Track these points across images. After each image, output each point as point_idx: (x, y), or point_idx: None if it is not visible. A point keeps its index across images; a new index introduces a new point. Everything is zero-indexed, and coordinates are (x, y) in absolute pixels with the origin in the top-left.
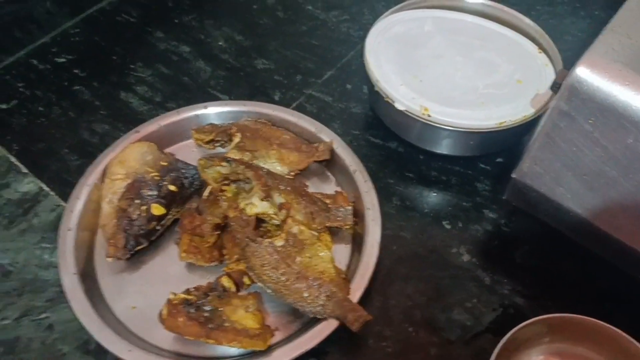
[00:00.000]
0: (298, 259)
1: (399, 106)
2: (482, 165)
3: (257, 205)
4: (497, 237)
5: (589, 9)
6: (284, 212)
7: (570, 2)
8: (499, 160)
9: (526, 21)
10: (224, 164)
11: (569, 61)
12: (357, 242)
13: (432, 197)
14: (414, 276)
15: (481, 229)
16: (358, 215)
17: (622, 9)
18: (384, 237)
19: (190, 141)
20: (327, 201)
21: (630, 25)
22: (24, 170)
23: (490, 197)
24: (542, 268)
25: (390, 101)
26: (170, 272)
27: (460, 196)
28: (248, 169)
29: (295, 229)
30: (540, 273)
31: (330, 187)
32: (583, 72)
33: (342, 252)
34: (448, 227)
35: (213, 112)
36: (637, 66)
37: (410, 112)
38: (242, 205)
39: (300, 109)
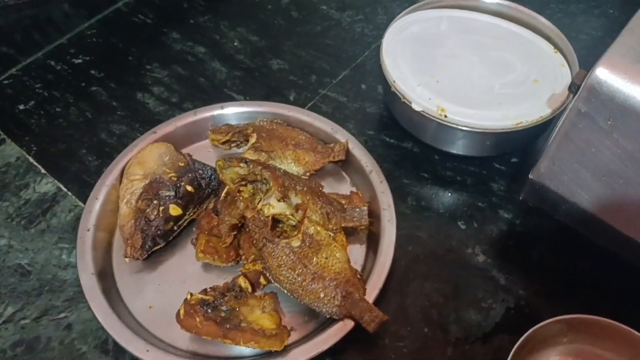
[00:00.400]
0: (314, 259)
1: (416, 107)
2: (497, 165)
3: (274, 206)
4: (512, 237)
5: (603, 8)
6: (300, 212)
7: (584, 0)
8: (514, 160)
9: (542, 20)
10: (241, 164)
11: (583, 60)
12: (373, 243)
13: (448, 197)
14: (430, 276)
15: (497, 229)
16: (373, 215)
17: None
18: (399, 237)
19: (207, 142)
20: (343, 201)
21: None
22: (43, 170)
23: (506, 197)
24: (558, 268)
25: (407, 102)
26: (187, 272)
27: (475, 196)
28: (265, 169)
29: (311, 230)
30: (556, 273)
31: (345, 188)
32: (603, 73)
33: (357, 253)
34: (463, 227)
35: (229, 112)
36: None
37: (427, 113)
38: (259, 206)
39: (315, 109)
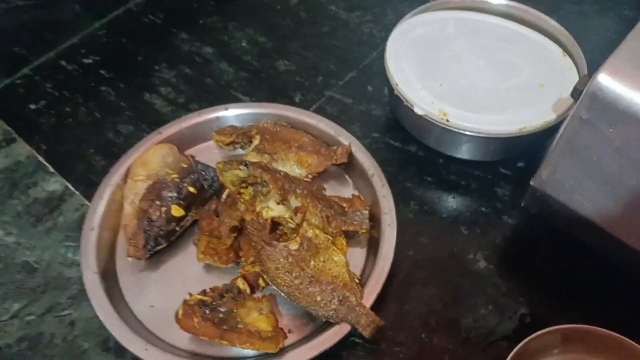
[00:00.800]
0: (312, 263)
1: (418, 110)
2: (503, 170)
3: (273, 209)
4: (515, 244)
5: (618, 9)
6: (299, 216)
7: (599, 1)
8: (520, 164)
9: (551, 23)
10: (241, 167)
11: (595, 63)
12: (373, 247)
13: (451, 202)
14: (430, 281)
15: (500, 235)
16: (375, 219)
17: None
18: (400, 241)
19: (212, 142)
20: (344, 205)
21: None
22: (51, 169)
23: (510, 203)
24: (561, 276)
25: (409, 105)
26: (189, 273)
27: (479, 201)
28: (265, 172)
29: (310, 233)
30: (558, 281)
31: (348, 190)
32: (604, 79)
33: (357, 256)
34: (466, 232)
35: (234, 114)
36: None
37: (429, 117)
38: (258, 208)
39: (320, 111)
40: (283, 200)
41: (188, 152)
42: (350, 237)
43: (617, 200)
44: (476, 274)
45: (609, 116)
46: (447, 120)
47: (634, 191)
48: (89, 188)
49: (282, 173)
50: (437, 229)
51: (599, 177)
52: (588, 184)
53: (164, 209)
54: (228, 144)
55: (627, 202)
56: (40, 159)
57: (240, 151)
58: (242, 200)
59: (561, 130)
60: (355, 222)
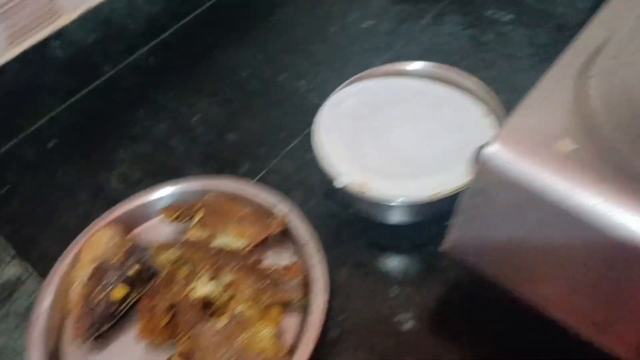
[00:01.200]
0: (239, 338)
1: (337, 184)
2: (435, 229)
3: (201, 289)
4: (447, 303)
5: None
6: (229, 292)
7: (532, 54)
8: (447, 223)
9: (473, 81)
10: (172, 250)
11: None
12: (307, 314)
13: (384, 264)
14: (360, 345)
15: (430, 294)
16: (308, 287)
17: (540, 82)
18: (333, 307)
19: (161, 217)
20: (278, 275)
21: (544, 99)
22: (11, 255)
23: (438, 262)
24: (492, 336)
25: (330, 179)
26: (132, 352)
27: (411, 262)
28: (198, 251)
29: (239, 309)
30: (489, 339)
31: (288, 256)
32: (494, 148)
33: (292, 325)
34: (397, 292)
35: (179, 190)
36: (548, 143)
37: (348, 189)
38: (187, 289)
39: (264, 180)
40: (214, 277)
41: (139, 229)
42: (286, 305)
43: (517, 265)
44: (406, 333)
45: (498, 185)
46: (364, 192)
47: (528, 256)
48: (46, 272)
49: (214, 249)
50: (369, 291)
51: (497, 243)
52: (489, 249)
53: (105, 292)
54: (174, 219)
55: (525, 267)
56: (2, 244)
57: (188, 224)
58: (177, 279)
59: (460, 198)
60: (287, 292)
